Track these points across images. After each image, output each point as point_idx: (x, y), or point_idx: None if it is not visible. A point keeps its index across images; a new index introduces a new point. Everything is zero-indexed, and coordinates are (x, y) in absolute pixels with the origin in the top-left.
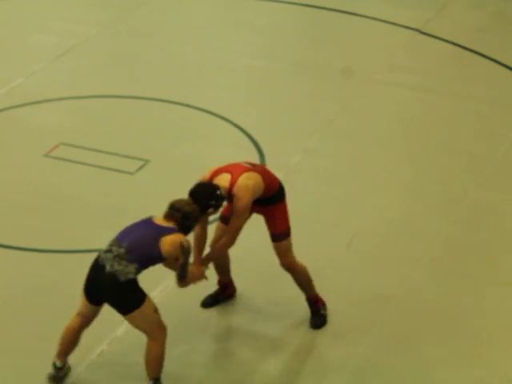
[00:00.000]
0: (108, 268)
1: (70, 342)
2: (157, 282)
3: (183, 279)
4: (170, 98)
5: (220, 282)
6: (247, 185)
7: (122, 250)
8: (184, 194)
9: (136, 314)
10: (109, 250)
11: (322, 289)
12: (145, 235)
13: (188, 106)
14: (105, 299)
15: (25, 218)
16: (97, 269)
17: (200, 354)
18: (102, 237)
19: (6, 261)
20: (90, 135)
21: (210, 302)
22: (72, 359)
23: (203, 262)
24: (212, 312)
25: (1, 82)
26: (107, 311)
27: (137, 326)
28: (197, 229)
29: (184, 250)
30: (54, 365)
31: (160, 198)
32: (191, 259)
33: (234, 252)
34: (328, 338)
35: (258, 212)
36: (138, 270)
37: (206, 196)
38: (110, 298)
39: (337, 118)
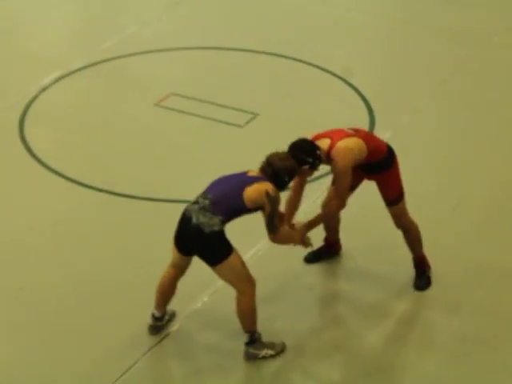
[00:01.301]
0: (194, 220)
1: (166, 292)
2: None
3: (273, 231)
4: (282, 52)
5: (326, 240)
6: (345, 147)
7: (207, 202)
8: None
9: (223, 265)
10: (196, 202)
11: (428, 251)
12: (232, 187)
13: (300, 60)
14: (192, 250)
15: (134, 166)
16: (185, 220)
17: (303, 313)
18: None
19: (114, 207)
20: (200, 86)
21: (312, 258)
22: (174, 308)
23: (309, 226)
24: (316, 269)
25: (114, 31)
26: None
27: (225, 279)
28: (291, 191)
29: (270, 198)
30: (153, 315)
31: (267, 152)
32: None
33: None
34: (431, 303)
35: (370, 179)
36: (223, 222)
37: (304, 151)
38: (197, 250)
39: (450, 78)
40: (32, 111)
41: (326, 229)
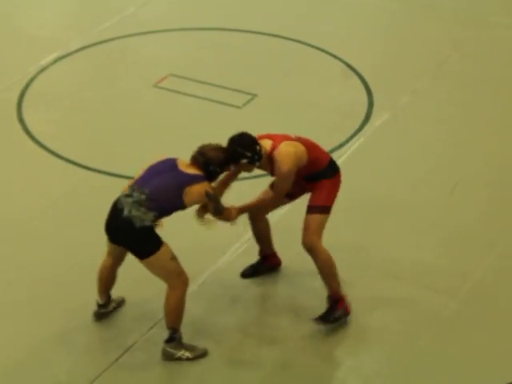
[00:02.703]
0: (125, 212)
1: (105, 280)
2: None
3: (218, 213)
4: (281, 33)
5: (260, 253)
6: (288, 150)
7: (142, 197)
8: (289, 130)
9: (151, 260)
10: (129, 195)
11: (421, 233)
12: (168, 184)
13: (299, 41)
14: (121, 242)
15: (132, 147)
16: (116, 211)
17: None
18: None
19: (113, 188)
20: (198, 67)
21: (249, 272)
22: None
23: (241, 209)
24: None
25: (113, 11)
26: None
27: (155, 273)
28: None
29: (210, 197)
30: (97, 302)
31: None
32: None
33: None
34: (420, 285)
35: (307, 188)
36: (156, 218)
37: (243, 145)
38: (126, 242)
39: (449, 59)
40: (30, 92)
41: (257, 239)
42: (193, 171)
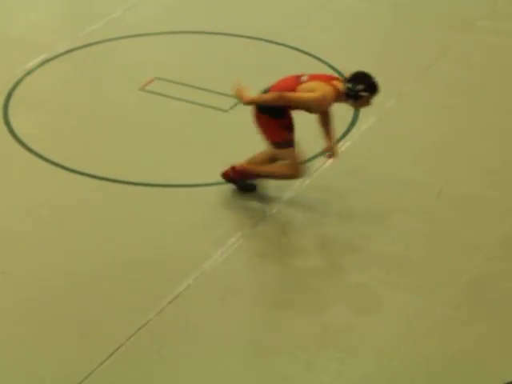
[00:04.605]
0: None
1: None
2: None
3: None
4: (266, 37)
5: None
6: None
7: None
8: None
9: None
10: None
11: (406, 235)
12: None
13: (284, 45)
14: None
15: (118, 150)
16: None
17: None
18: (194, 173)
19: (100, 192)
20: (185, 71)
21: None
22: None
23: (252, 98)
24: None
25: (100, 14)
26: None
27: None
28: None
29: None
30: None
31: (252, 137)
32: None
33: None
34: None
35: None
36: None
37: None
38: None
39: (435, 63)
40: (16, 95)
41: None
42: None
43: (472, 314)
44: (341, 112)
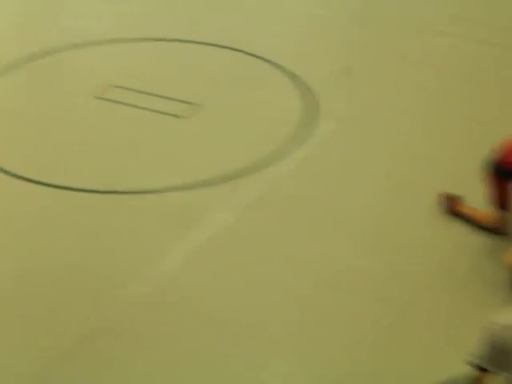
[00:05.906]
0: None
1: None
2: None
3: None
4: (222, 43)
5: None
6: None
7: None
8: (235, 140)
9: None
10: None
11: (361, 240)
12: None
13: (241, 51)
14: None
15: (74, 158)
16: None
17: None
18: (153, 179)
19: (55, 200)
20: (142, 78)
21: None
22: None
23: None
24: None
25: (55, 23)
26: None
27: None
28: None
29: None
30: None
31: (212, 144)
32: None
33: None
34: None
35: None
36: None
37: None
38: None
39: (395, 68)
40: None
41: None
42: None
43: (425, 318)
44: (300, 118)
